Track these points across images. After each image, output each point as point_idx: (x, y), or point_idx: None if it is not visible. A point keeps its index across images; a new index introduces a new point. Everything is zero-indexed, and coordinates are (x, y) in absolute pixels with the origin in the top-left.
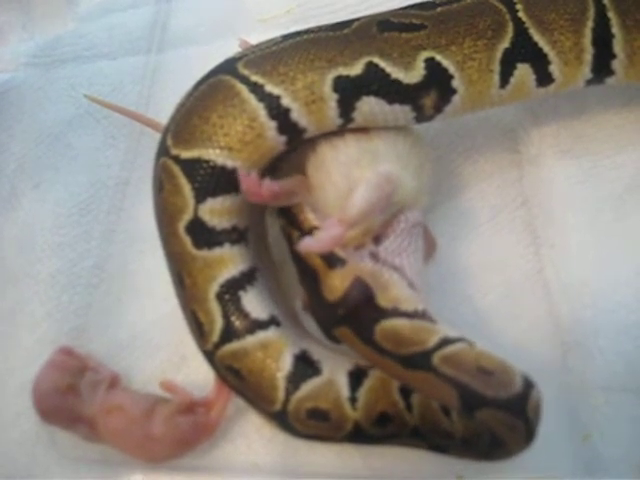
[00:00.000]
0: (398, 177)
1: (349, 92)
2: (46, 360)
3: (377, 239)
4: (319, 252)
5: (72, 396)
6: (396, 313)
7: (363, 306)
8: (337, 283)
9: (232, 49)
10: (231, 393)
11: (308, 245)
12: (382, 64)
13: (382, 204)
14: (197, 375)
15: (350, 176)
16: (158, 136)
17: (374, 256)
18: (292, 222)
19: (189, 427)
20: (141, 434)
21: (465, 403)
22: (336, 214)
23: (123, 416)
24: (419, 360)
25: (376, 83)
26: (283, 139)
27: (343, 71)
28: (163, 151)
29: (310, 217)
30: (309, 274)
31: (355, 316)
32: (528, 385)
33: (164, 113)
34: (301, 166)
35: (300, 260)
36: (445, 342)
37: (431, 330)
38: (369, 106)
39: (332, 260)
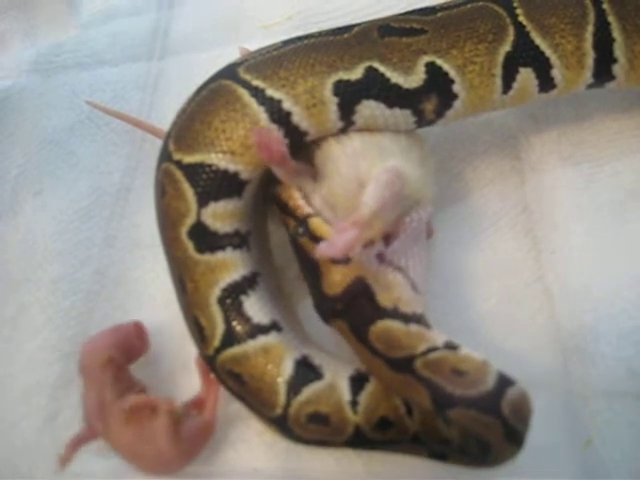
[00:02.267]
0: (405, 171)
1: (349, 96)
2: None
3: (387, 238)
4: (335, 257)
5: (112, 369)
6: (395, 314)
7: (362, 304)
8: (338, 279)
9: (233, 55)
10: (219, 385)
11: (324, 251)
12: (382, 69)
13: (393, 201)
14: (198, 382)
15: (357, 167)
16: (160, 142)
17: (380, 256)
18: (284, 210)
19: (190, 432)
20: (152, 452)
21: (436, 403)
22: (348, 216)
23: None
24: (403, 363)
25: (376, 87)
26: (285, 142)
27: (343, 75)
28: (165, 156)
29: (301, 204)
30: (310, 264)
31: (353, 312)
32: (503, 383)
33: (166, 119)
34: (308, 158)
35: (301, 250)
36: (432, 350)
37: (423, 337)
38: (369, 109)
39: None
